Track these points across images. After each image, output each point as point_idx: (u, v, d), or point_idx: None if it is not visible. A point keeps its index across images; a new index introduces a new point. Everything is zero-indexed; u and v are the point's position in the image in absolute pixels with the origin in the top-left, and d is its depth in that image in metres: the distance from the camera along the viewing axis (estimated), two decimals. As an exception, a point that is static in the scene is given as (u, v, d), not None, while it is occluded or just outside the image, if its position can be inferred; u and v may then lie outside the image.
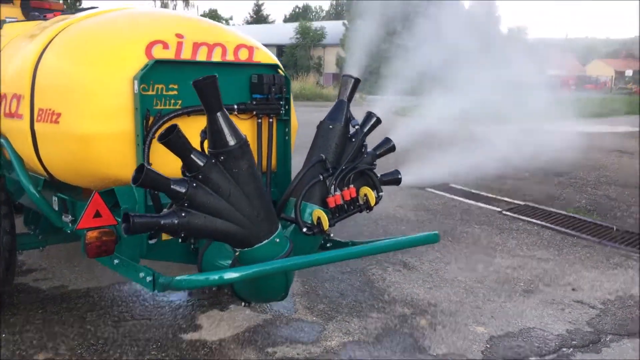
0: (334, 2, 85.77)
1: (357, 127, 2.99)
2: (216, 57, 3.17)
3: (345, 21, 51.48)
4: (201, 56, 3.12)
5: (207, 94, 2.22)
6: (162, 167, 2.52)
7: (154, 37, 2.99)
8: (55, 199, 3.36)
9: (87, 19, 3.26)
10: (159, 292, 2.61)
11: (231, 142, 2.28)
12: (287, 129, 3.40)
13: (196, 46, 3.11)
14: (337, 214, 2.91)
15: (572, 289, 4.64)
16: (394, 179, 3.17)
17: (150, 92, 2.90)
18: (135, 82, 2.83)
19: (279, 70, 3.31)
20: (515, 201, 7.66)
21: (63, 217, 3.30)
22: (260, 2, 63.48)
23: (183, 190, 2.23)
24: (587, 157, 10.49)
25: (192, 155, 2.24)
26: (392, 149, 3.17)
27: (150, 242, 3.01)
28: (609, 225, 6.62)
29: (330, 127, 2.95)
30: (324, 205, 2.87)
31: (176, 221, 2.23)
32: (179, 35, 3.07)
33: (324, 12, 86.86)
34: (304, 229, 2.79)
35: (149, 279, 2.63)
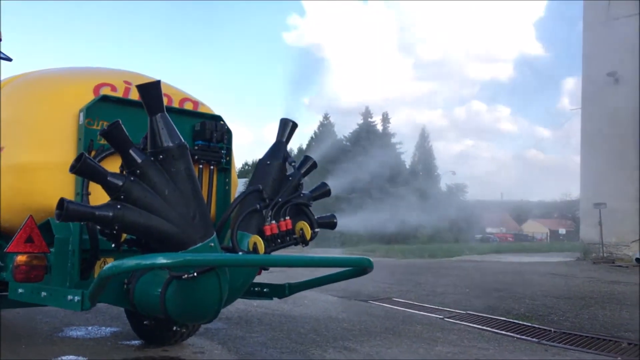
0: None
1: (293, 164, 3.14)
2: (162, 106, 3.34)
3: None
4: (147, 103, 3.28)
5: (150, 96, 2.36)
6: (102, 199, 2.59)
7: (103, 80, 3.17)
8: None
9: (38, 71, 3.44)
10: (88, 306, 2.47)
11: (170, 142, 2.38)
12: (227, 179, 3.51)
13: (143, 93, 3.29)
14: (273, 243, 2.94)
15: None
16: (330, 222, 3.27)
17: (94, 127, 3.01)
18: (81, 114, 2.95)
19: (222, 122, 3.50)
20: (457, 310, 7.70)
21: None
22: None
23: (120, 182, 2.27)
24: (523, 278, 10.81)
25: (131, 151, 2.31)
26: (328, 193, 3.30)
27: (81, 280, 2.93)
28: (547, 328, 6.71)
29: (268, 163, 3.09)
30: (259, 233, 2.92)
31: (111, 213, 2.24)
32: (127, 82, 3.26)
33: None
34: (240, 253, 2.80)
35: (77, 298, 2.54)
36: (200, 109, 3.53)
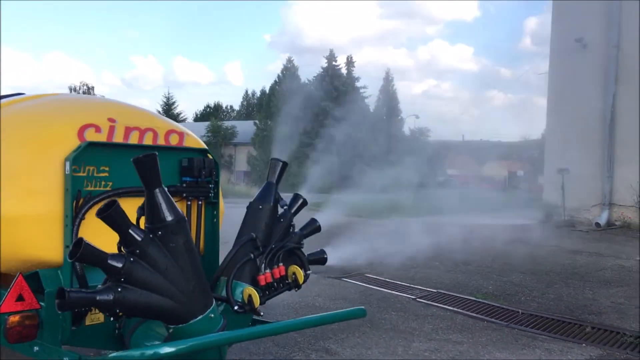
0: (245, 103, 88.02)
1: (285, 207, 3.13)
2: (147, 141, 3.26)
3: (257, 121, 52.91)
4: (133, 140, 3.20)
5: (146, 171, 2.30)
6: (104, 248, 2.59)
7: (86, 121, 3.05)
8: None
9: (15, 104, 3.28)
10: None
11: (169, 217, 2.35)
12: (215, 212, 3.48)
13: (128, 130, 3.20)
14: (267, 291, 2.97)
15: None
16: (320, 258, 3.30)
17: (81, 174, 2.93)
18: (67, 163, 2.86)
19: (208, 155, 3.44)
20: (428, 289, 7.93)
21: None
22: (170, 102, 63.92)
23: (120, 265, 2.24)
24: (489, 247, 11.13)
25: (130, 230, 2.27)
26: (318, 229, 3.31)
27: (73, 328, 2.91)
28: (514, 309, 7.00)
29: (260, 207, 3.07)
30: (254, 283, 2.93)
31: (112, 297, 2.22)
32: (110, 120, 3.15)
33: (235, 112, 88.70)
34: (236, 307, 2.82)
35: None
36: (186, 141, 3.45)
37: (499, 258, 10.38)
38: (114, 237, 3.04)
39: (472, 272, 9.17)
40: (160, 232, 2.33)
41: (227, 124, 60.57)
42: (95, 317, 2.98)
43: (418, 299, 7.39)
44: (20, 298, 2.74)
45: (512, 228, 13.20)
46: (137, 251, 2.29)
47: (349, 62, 55.62)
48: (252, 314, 2.99)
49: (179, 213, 2.40)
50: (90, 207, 2.90)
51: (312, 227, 3.30)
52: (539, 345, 5.62)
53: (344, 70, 54.73)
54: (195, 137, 3.55)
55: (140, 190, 3.09)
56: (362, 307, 3.11)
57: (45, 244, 2.86)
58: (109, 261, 2.22)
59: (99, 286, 2.35)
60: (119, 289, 2.23)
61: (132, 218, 3.13)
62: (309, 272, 3.13)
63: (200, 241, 3.42)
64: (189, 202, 3.33)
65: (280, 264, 3.02)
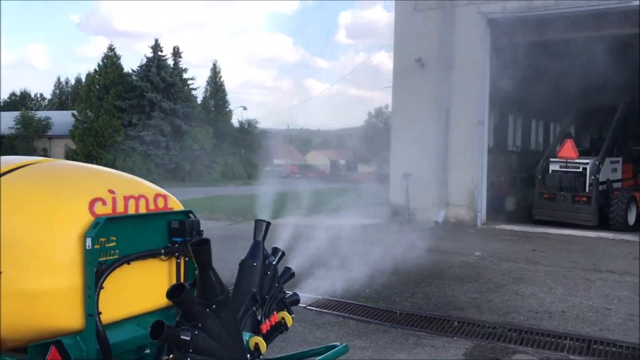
0: (57, 91, 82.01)
1: (274, 263, 3.66)
2: (142, 207, 3.58)
3: (75, 112, 49.84)
4: (131, 208, 3.50)
5: (202, 255, 2.73)
6: (106, 313, 3.10)
7: (93, 195, 3.31)
8: None
9: (18, 173, 3.39)
10: None
11: (220, 293, 2.80)
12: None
13: (126, 199, 3.49)
14: (267, 338, 3.49)
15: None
16: (295, 299, 3.89)
17: (97, 246, 3.20)
18: (89, 239, 3.11)
19: (191, 215, 3.83)
20: (314, 296, 8.72)
21: None
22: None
23: (188, 338, 2.65)
24: (355, 251, 12.26)
25: (195, 306, 2.69)
26: (293, 275, 3.90)
27: None
28: (393, 310, 8.08)
29: (254, 264, 3.57)
30: (256, 332, 3.43)
31: (188, 338, 2.62)
32: (110, 191, 3.43)
33: (46, 100, 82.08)
34: (248, 355, 3.31)
35: None
36: (169, 202, 3.79)
37: (366, 262, 11.53)
38: (127, 298, 3.38)
39: (348, 278, 10.14)
40: (214, 306, 2.77)
41: (41, 114, 55.94)
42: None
43: (309, 307, 8.16)
44: (56, 368, 2.96)
45: (366, 229, 14.53)
46: (199, 324, 2.70)
47: (176, 53, 54.65)
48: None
49: (225, 289, 2.84)
50: (106, 276, 3.19)
51: (288, 275, 3.85)
52: (425, 342, 6.69)
53: (170, 61, 53.65)
54: (174, 198, 3.90)
55: (144, 254, 3.46)
56: (345, 343, 3.74)
57: (67, 314, 3.08)
58: (182, 336, 2.61)
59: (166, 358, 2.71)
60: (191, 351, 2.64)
61: (142, 279, 3.49)
62: (293, 315, 3.69)
63: (186, 292, 3.80)
64: (178, 260, 3.70)
65: (275, 312, 3.54)
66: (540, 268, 10.95)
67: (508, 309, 8.06)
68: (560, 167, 16.47)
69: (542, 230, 15.66)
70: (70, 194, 3.29)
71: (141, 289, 3.53)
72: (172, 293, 2.64)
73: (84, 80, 60.52)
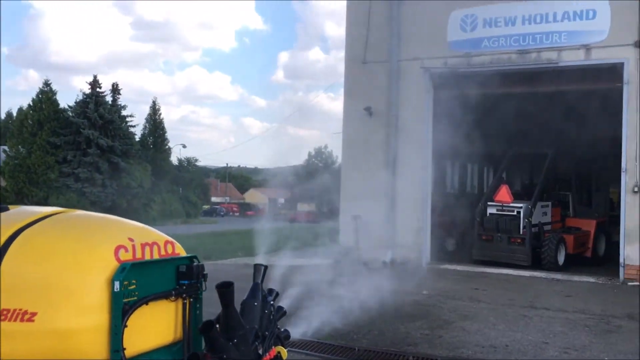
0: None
1: (272, 302, 4.16)
2: (155, 253, 4.03)
3: (6, 147, 48.48)
4: (147, 254, 3.95)
5: (227, 296, 3.22)
6: (130, 347, 3.50)
7: (117, 242, 3.75)
8: None
9: (47, 222, 3.78)
10: None
11: (240, 329, 3.28)
12: (198, 305, 4.32)
13: (142, 246, 3.94)
14: (266, 371, 3.96)
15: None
16: (286, 335, 4.38)
17: (121, 289, 3.63)
18: (117, 283, 3.54)
19: (195, 260, 4.30)
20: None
21: None
22: None
23: None
24: (313, 291, 12.71)
25: (220, 340, 3.16)
26: (285, 313, 4.40)
27: None
28: (352, 346, 8.59)
29: (255, 304, 4.06)
30: (256, 367, 3.90)
31: None
32: (130, 239, 3.87)
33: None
34: (254, 384, 3.77)
35: None
36: (176, 248, 4.25)
37: (325, 302, 12.00)
38: (142, 335, 3.79)
39: (307, 317, 10.57)
40: (235, 340, 3.24)
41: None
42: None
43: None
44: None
45: (319, 270, 15.03)
46: (224, 356, 3.16)
47: (115, 90, 54.38)
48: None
49: (244, 326, 3.33)
50: (129, 316, 3.60)
51: (281, 313, 4.36)
52: (384, 377, 7.22)
53: (109, 98, 53.32)
54: (179, 244, 4.35)
55: (159, 295, 3.89)
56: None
57: (96, 350, 3.46)
58: (212, 362, 3.07)
59: None
60: None
61: (153, 318, 3.91)
62: (287, 349, 4.16)
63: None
64: (185, 301, 4.13)
65: (273, 347, 4.01)
66: (483, 305, 11.74)
67: (457, 344, 8.72)
68: (497, 210, 17.61)
69: (482, 270, 16.62)
70: (97, 242, 3.72)
71: (153, 326, 3.94)
72: (204, 328, 3.11)
73: (15, 114, 58.95)
